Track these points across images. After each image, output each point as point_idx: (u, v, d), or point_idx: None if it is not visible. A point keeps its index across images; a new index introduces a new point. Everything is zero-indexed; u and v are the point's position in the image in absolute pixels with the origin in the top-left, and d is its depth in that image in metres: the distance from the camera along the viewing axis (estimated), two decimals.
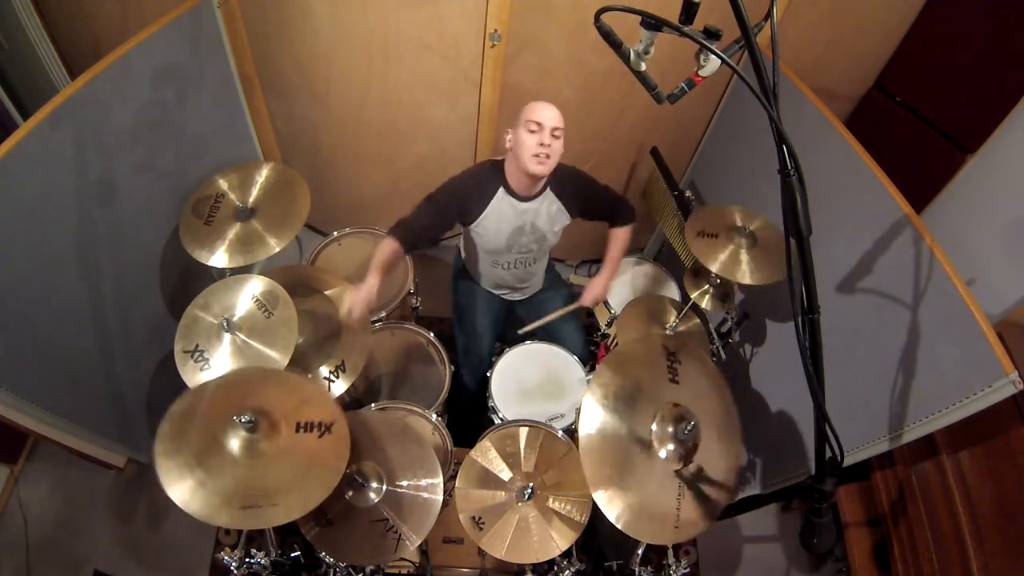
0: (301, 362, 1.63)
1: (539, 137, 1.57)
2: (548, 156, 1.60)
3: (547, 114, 1.57)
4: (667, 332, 1.94)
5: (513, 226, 1.75)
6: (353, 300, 1.59)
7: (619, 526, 1.27)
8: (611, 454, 1.33)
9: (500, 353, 1.99)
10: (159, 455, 1.19)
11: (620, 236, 1.91)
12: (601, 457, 1.32)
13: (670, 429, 1.37)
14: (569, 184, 1.77)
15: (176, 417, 1.25)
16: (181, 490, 1.17)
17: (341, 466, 1.26)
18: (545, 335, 2.03)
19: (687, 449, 1.37)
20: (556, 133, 1.59)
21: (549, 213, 1.77)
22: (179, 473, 1.18)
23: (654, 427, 1.37)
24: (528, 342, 1.99)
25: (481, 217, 1.73)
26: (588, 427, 1.33)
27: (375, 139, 2.37)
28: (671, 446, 1.36)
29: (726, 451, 1.42)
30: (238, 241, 1.79)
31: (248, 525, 1.19)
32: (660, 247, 2.90)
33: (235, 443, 1.24)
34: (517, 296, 2.08)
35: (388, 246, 1.62)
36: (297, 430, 1.28)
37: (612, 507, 1.28)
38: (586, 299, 1.89)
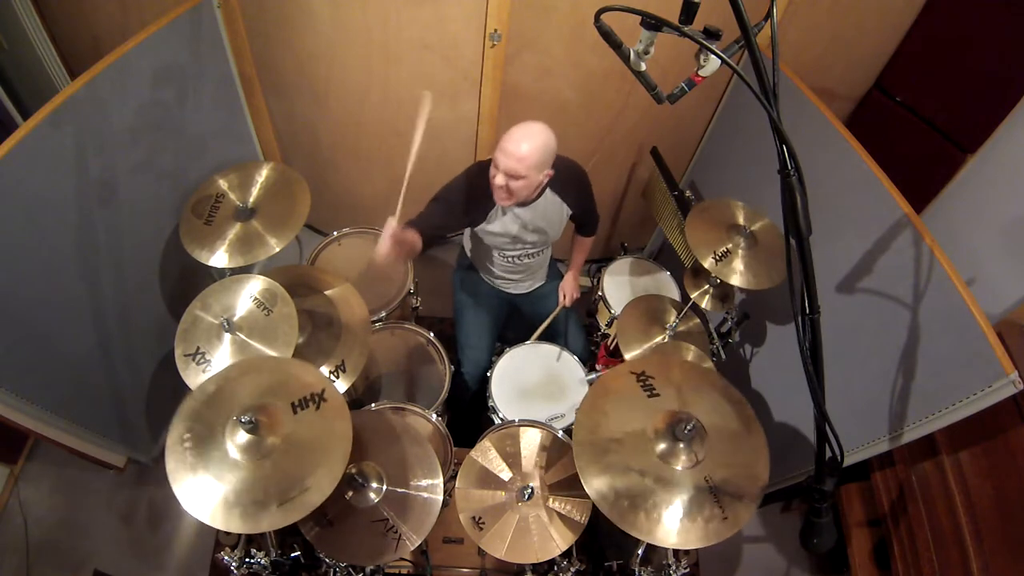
0: None
1: (497, 175, 1.53)
2: (508, 194, 1.56)
3: (504, 161, 1.49)
4: (667, 332, 1.94)
5: (516, 226, 1.75)
6: (381, 239, 1.45)
7: (703, 546, 1.23)
8: (629, 506, 1.27)
9: (500, 353, 1.99)
10: (183, 497, 1.16)
11: (586, 244, 2.05)
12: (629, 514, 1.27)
13: (673, 437, 1.33)
14: (572, 182, 1.75)
15: (177, 451, 1.21)
16: (216, 514, 1.15)
17: (348, 429, 1.25)
18: (546, 335, 2.03)
19: (697, 443, 1.34)
20: (513, 178, 1.51)
21: (550, 210, 1.76)
22: (208, 499, 1.16)
23: (660, 448, 1.33)
24: (528, 342, 2.00)
25: (485, 221, 1.73)
26: (601, 503, 1.28)
27: (375, 139, 2.37)
28: (681, 445, 1.32)
29: (736, 423, 1.40)
30: (238, 241, 1.79)
31: (291, 519, 1.17)
32: (660, 247, 2.91)
33: (242, 448, 1.22)
34: (522, 288, 2.08)
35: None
36: (295, 411, 1.27)
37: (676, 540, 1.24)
38: (567, 300, 2.05)
